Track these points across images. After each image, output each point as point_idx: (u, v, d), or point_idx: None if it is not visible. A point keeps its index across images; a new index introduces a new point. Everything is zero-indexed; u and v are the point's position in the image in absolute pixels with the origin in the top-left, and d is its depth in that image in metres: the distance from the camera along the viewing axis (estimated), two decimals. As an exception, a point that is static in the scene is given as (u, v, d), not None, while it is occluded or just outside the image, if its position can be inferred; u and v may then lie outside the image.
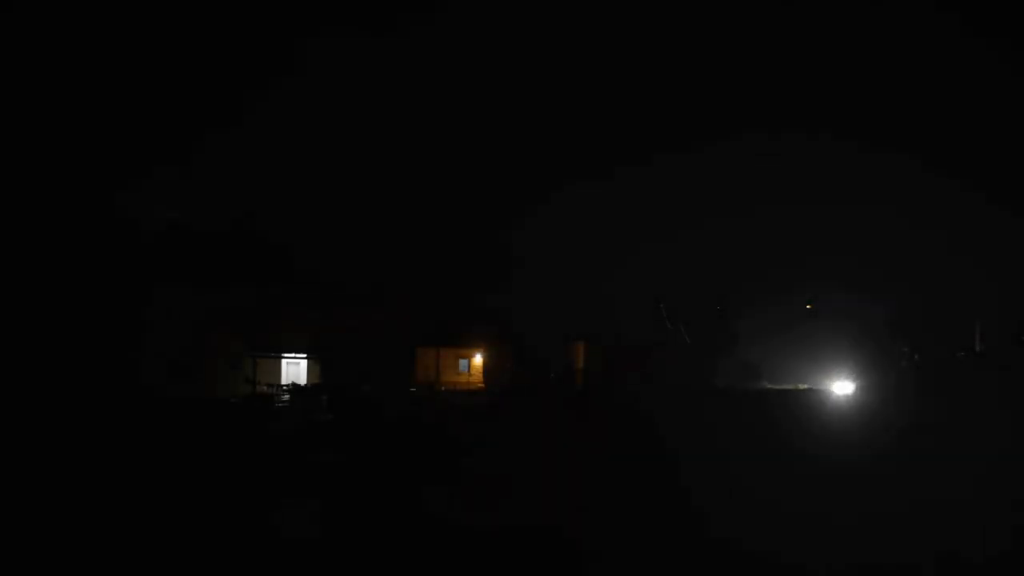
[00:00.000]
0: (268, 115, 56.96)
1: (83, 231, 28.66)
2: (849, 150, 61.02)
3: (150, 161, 36.64)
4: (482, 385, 42.02)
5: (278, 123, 55.60)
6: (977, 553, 8.45)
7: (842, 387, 35.80)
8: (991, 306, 38.75)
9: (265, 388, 31.24)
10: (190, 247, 33.35)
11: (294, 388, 30.36)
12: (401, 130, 64.82)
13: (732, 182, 67.49)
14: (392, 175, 58.22)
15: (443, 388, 39.43)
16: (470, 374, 43.56)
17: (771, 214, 58.22)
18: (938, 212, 45.34)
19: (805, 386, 38.30)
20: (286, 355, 36.32)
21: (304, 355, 35.59)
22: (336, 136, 59.17)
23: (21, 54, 33.40)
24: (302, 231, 41.48)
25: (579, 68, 66.53)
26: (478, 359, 43.97)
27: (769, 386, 40.39)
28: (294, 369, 36.61)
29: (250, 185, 43.46)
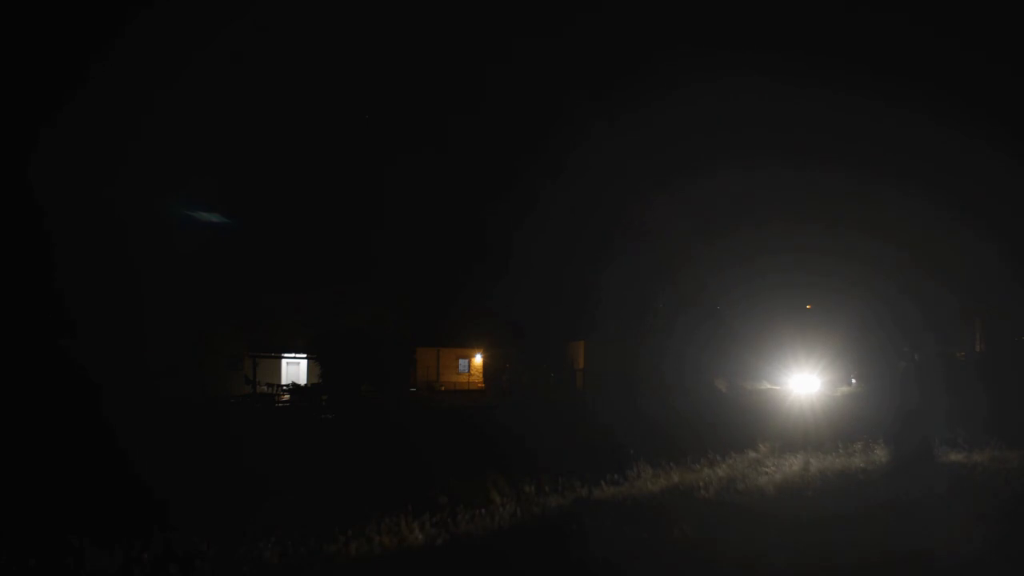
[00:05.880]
0: (260, 113, 56.96)
1: (91, 230, 28.76)
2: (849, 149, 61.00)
3: (179, 161, 36.79)
4: (482, 385, 42.07)
5: (267, 121, 55.57)
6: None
7: (805, 384, 35.26)
8: (993, 305, 38.80)
9: (265, 388, 31.30)
10: (194, 246, 33.42)
11: (294, 388, 30.39)
12: (396, 125, 64.80)
13: (732, 185, 67.45)
14: (389, 173, 58.21)
15: (443, 388, 39.48)
16: (470, 374, 43.62)
17: (769, 214, 58.14)
18: (937, 211, 45.26)
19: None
20: (286, 355, 36.35)
21: (304, 355, 35.61)
22: (331, 133, 59.14)
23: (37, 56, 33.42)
24: (302, 231, 41.50)
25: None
26: (478, 359, 44.00)
27: (769, 386, 40.42)
28: (294, 369, 36.65)
29: (244, 184, 43.37)
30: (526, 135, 67.45)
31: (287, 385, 31.37)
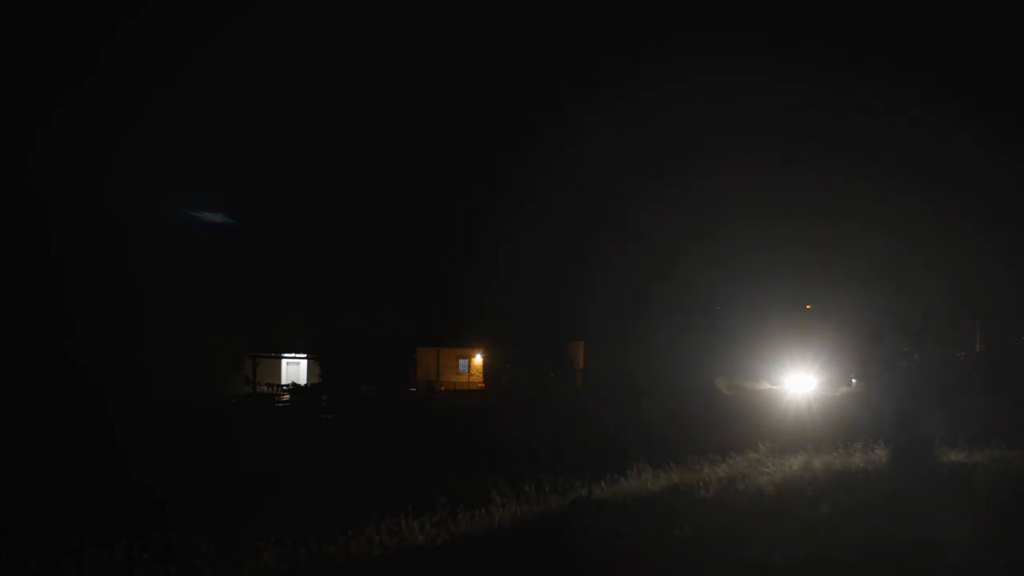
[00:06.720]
0: (260, 113, 56.99)
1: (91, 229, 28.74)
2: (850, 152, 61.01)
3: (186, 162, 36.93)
4: (482, 385, 42.03)
5: (267, 120, 55.62)
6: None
7: (805, 384, 34.95)
8: (994, 305, 38.79)
9: (265, 388, 31.26)
10: (195, 246, 33.38)
11: (294, 388, 30.36)
12: (393, 122, 64.82)
13: (732, 182, 67.41)
14: (390, 172, 58.19)
15: (443, 388, 39.44)
16: (470, 374, 43.58)
17: (769, 211, 58.08)
18: (938, 209, 45.25)
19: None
20: (286, 355, 36.31)
21: (304, 355, 35.58)
22: (329, 133, 59.17)
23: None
24: (302, 231, 41.50)
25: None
26: (478, 359, 43.97)
27: (769, 386, 40.37)
28: (294, 369, 36.61)
29: (244, 184, 43.39)
30: (524, 134, 67.46)
31: (287, 385, 31.32)
